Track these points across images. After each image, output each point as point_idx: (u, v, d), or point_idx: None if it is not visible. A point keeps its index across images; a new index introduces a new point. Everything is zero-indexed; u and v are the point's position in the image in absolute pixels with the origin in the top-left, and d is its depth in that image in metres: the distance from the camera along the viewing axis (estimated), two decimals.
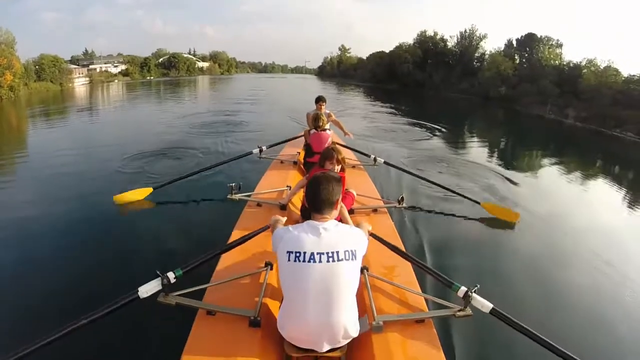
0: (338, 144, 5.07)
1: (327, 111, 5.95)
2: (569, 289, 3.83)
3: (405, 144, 10.57)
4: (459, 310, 2.18)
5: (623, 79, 21.39)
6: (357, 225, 2.27)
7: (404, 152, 9.34)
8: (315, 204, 1.85)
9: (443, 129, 13.43)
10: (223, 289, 2.27)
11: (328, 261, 1.68)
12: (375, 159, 5.48)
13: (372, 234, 2.51)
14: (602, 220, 6.17)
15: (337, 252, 1.69)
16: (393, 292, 2.34)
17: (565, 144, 15.71)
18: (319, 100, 5.89)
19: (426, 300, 2.31)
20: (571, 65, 26.17)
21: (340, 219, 3.29)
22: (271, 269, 2.47)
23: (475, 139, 13.01)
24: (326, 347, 1.80)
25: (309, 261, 1.67)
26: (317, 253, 1.68)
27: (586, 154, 13.75)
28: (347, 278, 1.73)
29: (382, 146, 9.94)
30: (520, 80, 27.70)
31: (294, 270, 1.70)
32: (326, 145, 4.75)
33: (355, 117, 15.41)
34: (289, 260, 1.70)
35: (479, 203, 5.26)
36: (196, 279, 2.21)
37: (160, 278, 2.06)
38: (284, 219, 2.46)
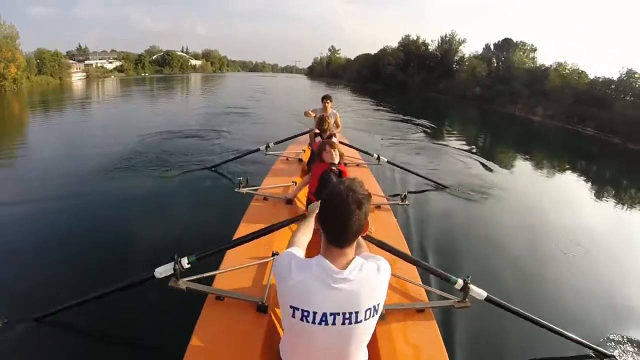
0: (342, 142, 4.91)
1: (334, 111, 5.65)
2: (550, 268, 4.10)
3: (394, 139, 10.86)
4: (458, 302, 2.18)
5: (587, 80, 22.27)
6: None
7: (395, 147, 9.63)
8: (336, 234, 1.22)
9: (426, 125, 13.87)
10: (231, 275, 2.22)
11: (344, 323, 1.21)
12: (378, 158, 5.37)
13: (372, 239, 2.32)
14: (563, 200, 7.03)
15: (357, 313, 1.21)
16: (395, 283, 2.29)
17: (532, 137, 16.54)
18: (325, 98, 5.59)
19: (426, 291, 2.29)
20: (542, 68, 27.06)
21: None
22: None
23: (455, 134, 13.50)
24: None
25: (319, 323, 1.21)
26: (332, 314, 1.20)
27: (549, 146, 14.60)
28: (365, 338, 1.31)
29: (373, 139, 10.39)
30: (494, 81, 28.55)
31: (297, 330, 1.26)
32: None
33: (347, 113, 15.64)
34: (293, 316, 1.23)
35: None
36: (206, 265, 2.20)
37: (173, 263, 2.06)
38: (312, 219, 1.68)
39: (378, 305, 1.25)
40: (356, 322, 1.22)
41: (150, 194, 5.40)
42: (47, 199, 5.05)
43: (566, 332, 2.56)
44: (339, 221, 1.20)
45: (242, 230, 2.87)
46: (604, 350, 2.74)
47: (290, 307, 1.23)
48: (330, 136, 4.43)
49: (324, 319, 1.21)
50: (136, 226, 4.34)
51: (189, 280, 2.10)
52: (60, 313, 2.57)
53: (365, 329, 1.27)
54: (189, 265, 2.10)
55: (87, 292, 2.50)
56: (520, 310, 2.38)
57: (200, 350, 1.70)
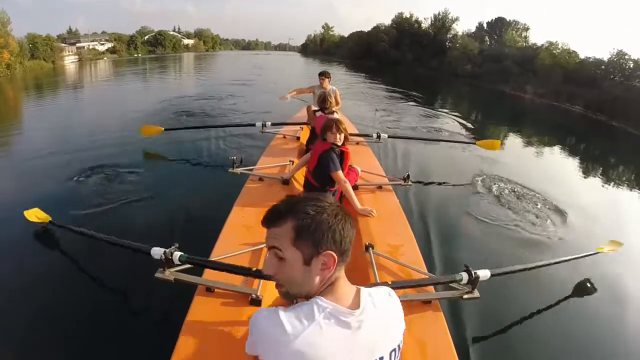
0: None
1: (334, 87, 5.29)
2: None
3: (389, 113, 10.97)
4: (466, 293, 2.04)
5: (577, 60, 22.25)
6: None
7: (390, 121, 9.59)
8: (345, 242, 0.89)
9: (419, 101, 14.00)
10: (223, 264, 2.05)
11: None
12: (379, 136, 5.06)
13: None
14: (552, 172, 7.25)
15: (382, 359, 0.89)
16: (399, 272, 2.16)
17: (522, 114, 16.82)
18: (322, 74, 5.27)
19: (433, 280, 2.12)
20: (534, 47, 26.95)
21: (342, 195, 2.99)
22: None
23: (448, 110, 13.38)
24: None
25: None
26: None
27: (539, 122, 14.89)
28: None
29: (368, 113, 10.48)
30: (486, 59, 28.37)
31: None
32: None
33: (343, 88, 15.37)
34: None
35: (474, 143, 6.13)
36: (195, 254, 2.03)
37: (164, 251, 1.93)
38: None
39: (401, 341, 0.97)
40: None
41: (141, 171, 5.14)
42: (40, 177, 5.00)
43: (563, 258, 2.91)
44: (345, 228, 0.89)
45: (236, 213, 2.72)
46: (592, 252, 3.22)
47: None
48: (332, 112, 4.18)
49: None
50: (126, 200, 4.18)
51: (177, 271, 1.97)
52: (70, 232, 2.98)
53: None
54: (179, 262, 1.98)
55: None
56: (523, 266, 2.50)
57: (191, 346, 1.58)
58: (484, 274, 2.07)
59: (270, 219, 0.91)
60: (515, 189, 5.50)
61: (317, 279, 0.89)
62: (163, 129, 5.76)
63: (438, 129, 9.17)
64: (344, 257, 0.91)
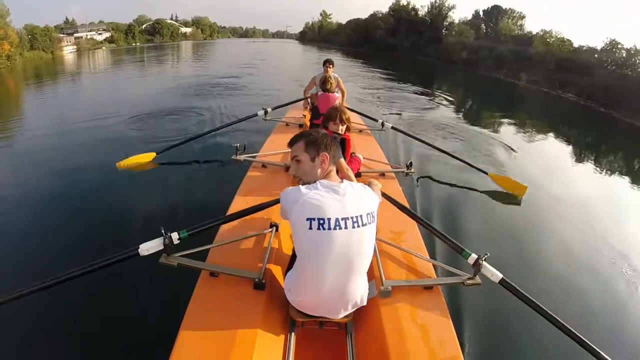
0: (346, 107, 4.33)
1: (336, 75, 5.34)
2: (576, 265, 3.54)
3: (387, 100, 10.93)
4: (469, 279, 1.98)
5: (572, 48, 22.28)
6: (369, 184, 1.87)
7: (394, 106, 9.64)
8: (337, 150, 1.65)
9: (416, 87, 14.04)
10: (227, 250, 2.07)
11: (354, 227, 1.43)
12: (382, 124, 4.90)
13: (382, 194, 2.10)
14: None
15: (361, 216, 1.45)
16: (401, 258, 2.15)
17: (516, 101, 16.92)
18: (327, 62, 5.33)
19: (435, 267, 2.11)
20: (529, 35, 26.97)
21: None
22: (276, 230, 2.25)
23: (443, 96, 13.21)
24: (335, 315, 1.61)
25: (334, 228, 1.40)
26: (342, 219, 1.42)
27: (532, 108, 15.01)
28: (369, 243, 1.51)
29: (370, 102, 10.34)
30: (481, 47, 28.27)
31: (315, 239, 1.42)
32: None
33: (342, 75, 15.18)
34: (310, 228, 1.40)
35: (486, 173, 4.81)
36: (199, 240, 1.97)
37: (162, 238, 1.82)
38: None
39: (374, 212, 1.52)
40: (362, 224, 1.45)
41: (138, 168, 4.87)
42: (27, 172, 4.90)
43: (586, 341, 1.73)
44: (331, 142, 1.64)
45: (239, 200, 2.71)
46: None
47: (307, 219, 1.41)
48: (333, 92, 4.52)
49: (337, 223, 1.41)
50: (124, 202, 3.98)
51: (180, 256, 1.88)
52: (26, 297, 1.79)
53: (370, 233, 1.50)
54: (179, 241, 1.85)
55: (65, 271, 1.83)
56: (539, 304, 1.84)
57: (195, 329, 1.59)
58: (493, 271, 1.91)
59: (293, 140, 1.65)
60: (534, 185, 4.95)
61: (319, 170, 1.57)
62: (155, 154, 4.90)
63: (439, 124, 8.53)
64: (334, 158, 1.61)
